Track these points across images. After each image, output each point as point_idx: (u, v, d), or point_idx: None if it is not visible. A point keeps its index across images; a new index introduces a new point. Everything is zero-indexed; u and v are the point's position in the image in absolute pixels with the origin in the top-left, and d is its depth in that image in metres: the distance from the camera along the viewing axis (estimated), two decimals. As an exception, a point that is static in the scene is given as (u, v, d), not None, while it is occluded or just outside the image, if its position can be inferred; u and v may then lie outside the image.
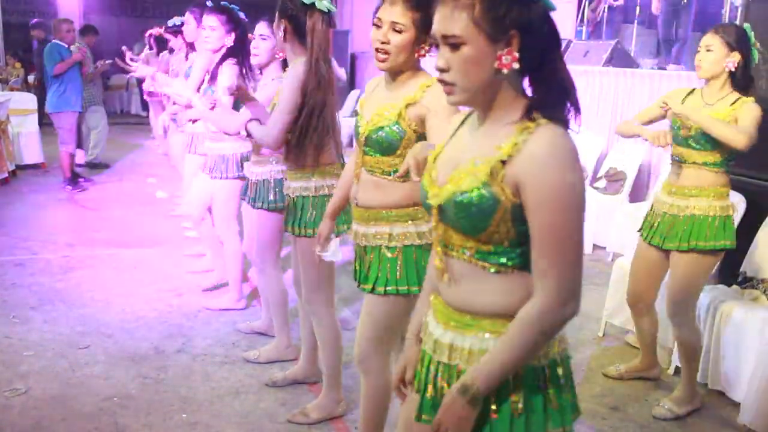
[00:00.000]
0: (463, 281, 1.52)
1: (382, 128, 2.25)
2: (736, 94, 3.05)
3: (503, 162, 1.41)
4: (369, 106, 2.35)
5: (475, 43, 1.39)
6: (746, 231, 3.78)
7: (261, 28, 3.49)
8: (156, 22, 8.02)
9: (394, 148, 2.24)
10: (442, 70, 1.44)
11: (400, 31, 2.17)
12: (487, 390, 1.44)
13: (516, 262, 1.47)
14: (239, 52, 3.97)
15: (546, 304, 1.41)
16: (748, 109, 2.99)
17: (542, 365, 1.49)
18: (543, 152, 1.38)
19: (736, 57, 3.00)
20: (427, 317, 1.66)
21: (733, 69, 3.01)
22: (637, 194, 6.12)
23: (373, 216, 2.33)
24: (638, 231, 3.40)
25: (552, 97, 1.43)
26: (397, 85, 2.28)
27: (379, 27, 2.20)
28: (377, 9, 2.24)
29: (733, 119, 3.00)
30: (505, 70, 1.40)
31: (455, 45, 1.41)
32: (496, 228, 1.44)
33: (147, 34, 7.17)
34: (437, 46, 1.46)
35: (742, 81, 3.04)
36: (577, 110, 1.45)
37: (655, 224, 3.25)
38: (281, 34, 2.89)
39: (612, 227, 5.59)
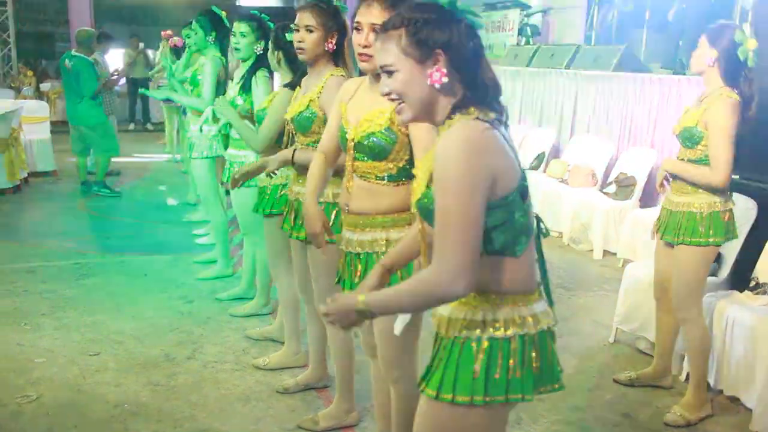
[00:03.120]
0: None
1: (373, 134, 2.24)
2: (723, 90, 3.09)
3: None
4: (354, 111, 2.34)
5: (406, 68, 1.62)
6: (758, 236, 3.76)
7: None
8: (166, 29, 8.01)
9: (387, 153, 2.24)
10: (387, 95, 1.67)
11: None
12: (376, 311, 1.68)
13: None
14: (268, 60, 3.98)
15: (435, 277, 1.56)
16: (715, 114, 3.03)
17: (469, 338, 1.65)
18: (443, 144, 1.57)
19: (713, 54, 3.10)
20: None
21: (710, 65, 3.11)
22: (647, 200, 6.09)
23: (368, 222, 2.32)
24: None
25: (470, 97, 1.62)
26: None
27: (359, 30, 2.22)
28: (355, 13, 2.26)
29: (702, 122, 3.09)
30: (437, 85, 1.60)
31: (390, 72, 1.64)
32: None
33: (171, 44, 7.05)
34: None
35: (729, 78, 3.10)
36: (497, 104, 1.65)
37: (661, 218, 3.36)
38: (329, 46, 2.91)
39: (622, 233, 5.57)
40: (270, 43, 3.56)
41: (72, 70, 7.51)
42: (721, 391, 3.42)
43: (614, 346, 4.09)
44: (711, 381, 3.41)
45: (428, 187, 1.66)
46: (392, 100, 1.67)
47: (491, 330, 1.63)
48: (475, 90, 1.62)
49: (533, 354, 1.66)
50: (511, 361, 1.63)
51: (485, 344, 1.63)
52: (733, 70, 3.08)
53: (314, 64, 2.86)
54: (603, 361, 3.90)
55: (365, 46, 2.21)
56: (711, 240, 3.16)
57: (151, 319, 4.31)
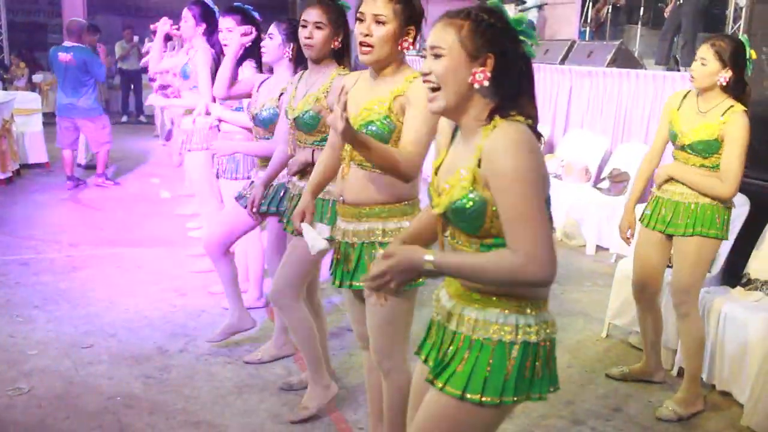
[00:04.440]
0: None
1: (372, 122, 2.28)
2: (730, 101, 3.09)
3: (480, 166, 1.64)
4: (354, 101, 2.37)
5: (455, 56, 1.65)
6: (750, 233, 3.77)
7: (270, 27, 3.53)
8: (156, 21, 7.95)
9: (385, 142, 2.25)
10: (425, 74, 1.70)
11: (383, 23, 2.23)
12: (444, 272, 1.68)
13: None
14: (257, 52, 3.95)
15: (523, 262, 1.57)
16: (735, 129, 3.02)
17: (510, 342, 1.69)
18: (496, 146, 1.61)
19: (728, 73, 3.06)
20: (440, 292, 1.89)
21: (724, 84, 3.07)
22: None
23: (364, 213, 2.34)
24: (639, 220, 3.43)
25: (509, 102, 1.67)
26: (382, 78, 2.32)
27: (362, 21, 2.25)
28: (360, 3, 2.29)
29: (720, 136, 3.06)
30: (476, 85, 1.66)
31: (438, 55, 1.67)
32: (490, 223, 1.66)
33: (162, 36, 6.92)
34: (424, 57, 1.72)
35: (734, 91, 3.10)
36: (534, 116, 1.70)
37: (658, 210, 3.30)
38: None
39: (615, 228, 5.57)
40: (279, 34, 3.47)
41: (76, 60, 7.50)
42: (713, 386, 3.44)
43: (606, 340, 4.11)
44: (703, 376, 3.43)
45: (472, 190, 1.65)
46: (427, 81, 1.69)
47: (524, 335, 1.70)
48: (512, 103, 1.67)
49: (554, 355, 1.77)
50: (538, 363, 1.72)
51: (519, 347, 1.69)
52: (742, 86, 3.10)
53: (318, 62, 2.83)
54: (595, 355, 3.92)
55: (366, 35, 2.23)
56: (721, 235, 3.16)
57: (144, 311, 4.30)
